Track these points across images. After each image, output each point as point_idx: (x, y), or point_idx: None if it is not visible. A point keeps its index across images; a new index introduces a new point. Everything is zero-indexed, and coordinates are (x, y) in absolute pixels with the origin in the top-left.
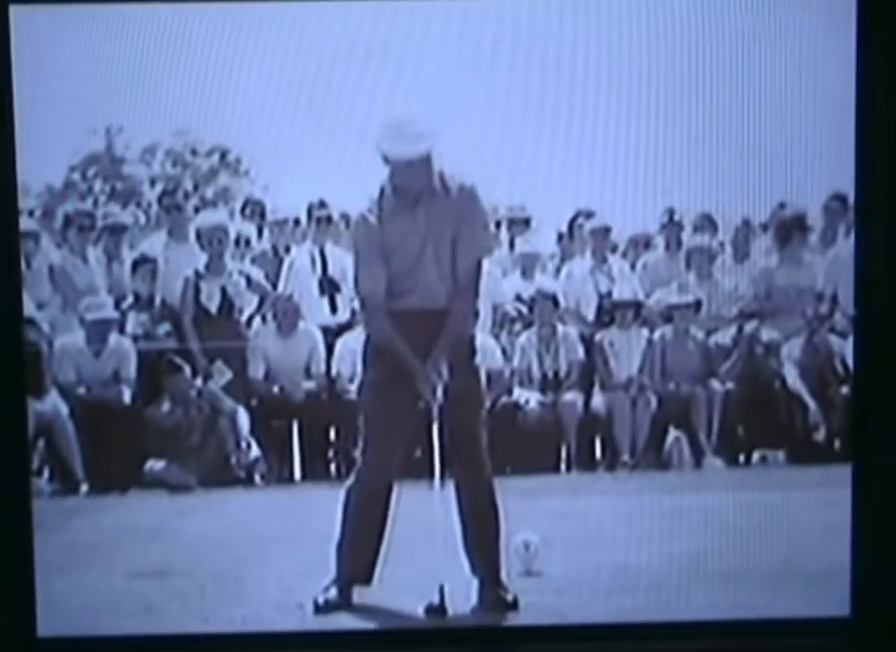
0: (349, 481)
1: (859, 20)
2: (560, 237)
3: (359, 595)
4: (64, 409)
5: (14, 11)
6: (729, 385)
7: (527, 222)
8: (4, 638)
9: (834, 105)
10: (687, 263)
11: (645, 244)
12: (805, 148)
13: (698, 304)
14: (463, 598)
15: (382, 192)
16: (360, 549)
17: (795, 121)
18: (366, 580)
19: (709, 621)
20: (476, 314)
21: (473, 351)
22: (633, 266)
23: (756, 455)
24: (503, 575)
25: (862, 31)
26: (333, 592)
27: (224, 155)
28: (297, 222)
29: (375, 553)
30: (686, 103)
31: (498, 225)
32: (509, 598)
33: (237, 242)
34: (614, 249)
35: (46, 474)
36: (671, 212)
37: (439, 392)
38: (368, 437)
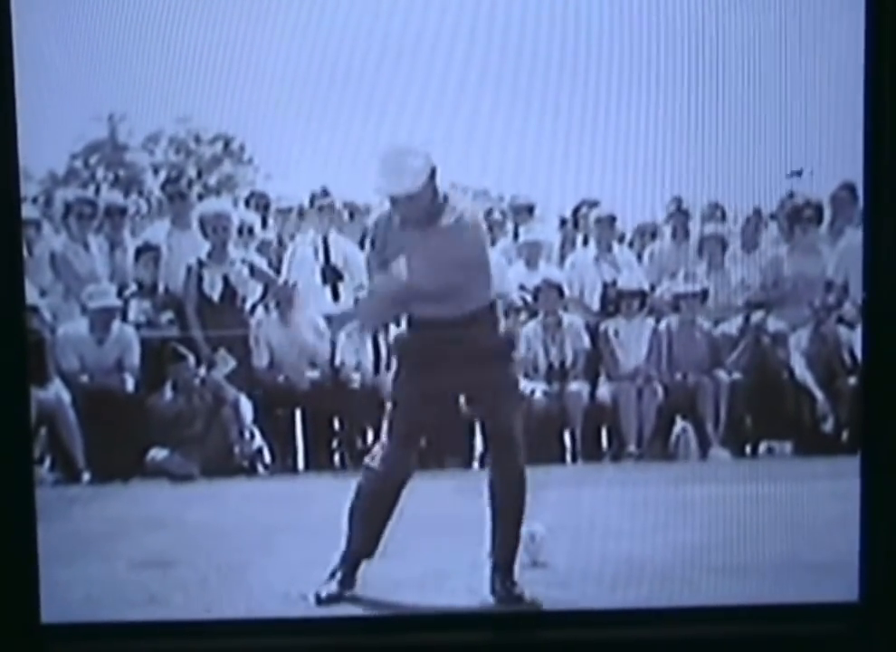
0: (369, 459)
1: (868, 7)
2: (563, 223)
3: (360, 587)
4: (67, 397)
5: None
6: (736, 375)
7: (530, 210)
8: (10, 625)
9: (842, 94)
10: (700, 252)
11: (652, 233)
12: (814, 137)
13: (704, 294)
14: (469, 587)
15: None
16: (370, 525)
17: (802, 110)
18: (369, 554)
19: (717, 607)
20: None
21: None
22: (639, 256)
23: (762, 447)
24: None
25: (872, 17)
26: (334, 586)
27: (227, 143)
28: (300, 211)
29: (382, 529)
30: (693, 91)
31: (502, 213)
32: (519, 592)
33: (240, 230)
34: (620, 238)
35: (48, 462)
36: (678, 201)
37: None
38: (394, 422)
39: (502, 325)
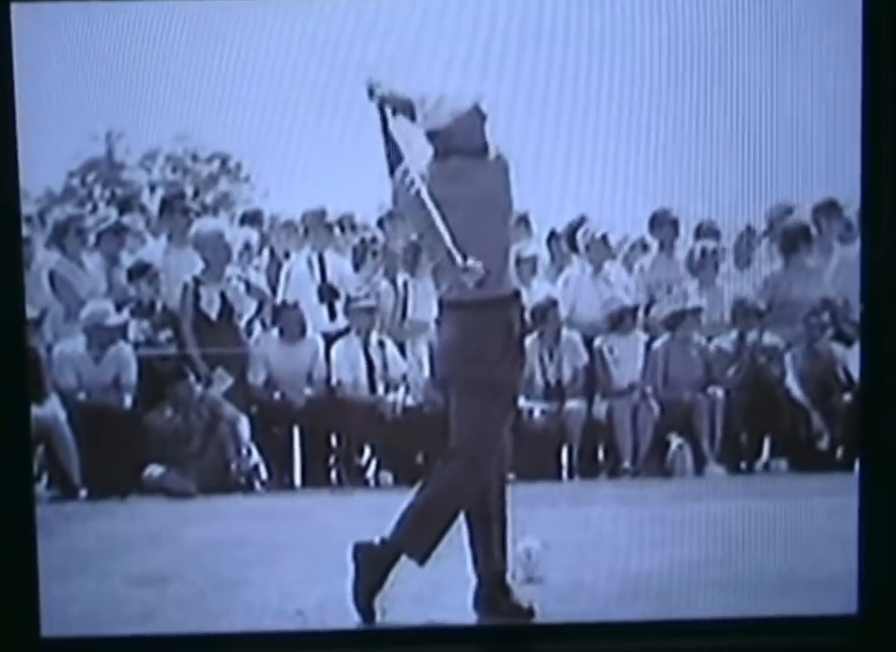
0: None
1: (864, 21)
2: (556, 240)
3: None
4: (63, 415)
5: (16, 10)
6: (732, 392)
7: (524, 220)
8: (10, 638)
9: (837, 110)
10: (692, 269)
11: (644, 249)
12: (807, 154)
13: (699, 310)
14: (466, 601)
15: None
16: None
17: (796, 127)
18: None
19: (716, 619)
20: None
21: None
22: (630, 272)
23: (758, 463)
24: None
25: (868, 32)
26: None
27: (224, 161)
28: (296, 228)
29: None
30: (686, 109)
31: None
32: (525, 604)
33: (237, 248)
34: (613, 255)
35: (45, 479)
36: (669, 217)
37: None
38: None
39: (517, 327)
